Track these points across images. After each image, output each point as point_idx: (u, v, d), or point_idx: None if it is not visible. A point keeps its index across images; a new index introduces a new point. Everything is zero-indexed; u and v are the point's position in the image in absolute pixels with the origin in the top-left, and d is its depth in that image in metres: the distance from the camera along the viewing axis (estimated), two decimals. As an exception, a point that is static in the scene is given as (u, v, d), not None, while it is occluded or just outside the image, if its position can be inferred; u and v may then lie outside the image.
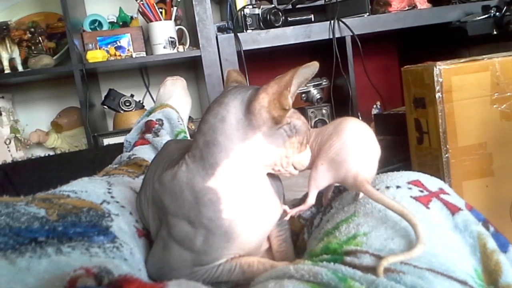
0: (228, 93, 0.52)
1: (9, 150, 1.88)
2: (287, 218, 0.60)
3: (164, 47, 1.73)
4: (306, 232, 0.65)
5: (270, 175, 0.55)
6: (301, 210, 0.60)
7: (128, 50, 1.81)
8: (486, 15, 1.66)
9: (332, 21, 1.71)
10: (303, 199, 0.66)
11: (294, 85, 0.49)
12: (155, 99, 1.36)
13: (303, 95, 1.82)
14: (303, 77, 0.50)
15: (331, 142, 0.57)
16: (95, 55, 1.68)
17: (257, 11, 1.71)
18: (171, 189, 0.52)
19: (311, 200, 0.58)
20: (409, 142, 1.21)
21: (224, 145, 0.50)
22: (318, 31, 1.72)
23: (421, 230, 0.47)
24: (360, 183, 0.54)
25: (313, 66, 0.49)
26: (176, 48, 1.74)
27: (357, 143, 0.56)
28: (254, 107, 0.50)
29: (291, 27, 1.71)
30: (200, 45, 1.67)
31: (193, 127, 1.55)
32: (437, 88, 1.03)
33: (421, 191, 0.57)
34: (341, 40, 1.73)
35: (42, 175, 1.36)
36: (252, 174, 0.52)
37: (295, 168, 0.54)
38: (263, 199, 0.54)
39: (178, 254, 0.53)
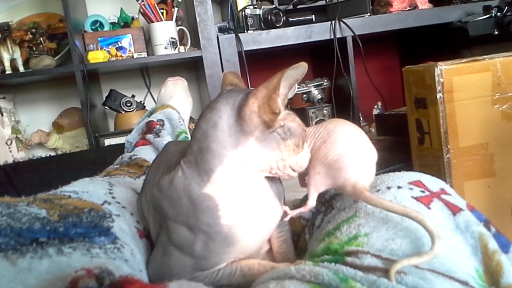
0: (220, 98, 0.52)
1: (11, 151, 1.89)
2: (287, 219, 0.59)
3: (165, 48, 1.73)
4: (307, 233, 0.65)
5: (270, 177, 0.54)
6: (301, 212, 0.60)
7: (129, 50, 1.81)
8: (487, 15, 1.66)
9: (333, 22, 1.71)
10: (304, 200, 0.66)
11: (283, 88, 0.48)
12: (156, 100, 1.36)
13: (304, 95, 1.82)
14: (293, 78, 0.49)
15: (326, 151, 0.56)
16: (96, 56, 1.68)
17: (258, 11, 1.71)
18: (169, 195, 0.52)
19: (312, 202, 0.58)
20: (410, 142, 1.21)
21: (217, 151, 0.49)
22: (319, 31, 1.72)
23: (431, 224, 0.47)
24: (359, 191, 0.54)
25: (301, 67, 0.48)
26: (177, 48, 1.74)
27: (353, 151, 0.56)
28: (245, 113, 0.49)
29: (292, 27, 1.71)
30: (201, 46, 1.67)
31: (194, 127, 1.55)
32: (438, 88, 1.03)
33: (422, 192, 0.57)
34: (342, 41, 1.73)
35: (43, 175, 1.36)
36: (249, 178, 0.51)
37: (293, 170, 0.53)
38: (262, 202, 0.53)
39: (178, 259, 0.53)
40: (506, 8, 1.63)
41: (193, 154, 0.51)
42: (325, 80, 1.81)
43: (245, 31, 1.70)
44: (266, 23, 1.70)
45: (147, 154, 1.02)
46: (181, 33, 1.84)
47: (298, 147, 0.52)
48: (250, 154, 0.50)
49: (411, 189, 0.57)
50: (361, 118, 1.93)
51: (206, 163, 0.50)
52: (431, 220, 0.52)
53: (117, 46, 1.80)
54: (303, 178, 0.60)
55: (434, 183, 0.60)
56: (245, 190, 0.51)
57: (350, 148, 0.56)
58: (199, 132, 0.51)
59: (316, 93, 1.81)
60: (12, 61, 1.73)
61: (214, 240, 0.51)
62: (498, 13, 1.64)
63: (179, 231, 0.52)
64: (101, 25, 1.90)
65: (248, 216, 0.52)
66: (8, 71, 1.71)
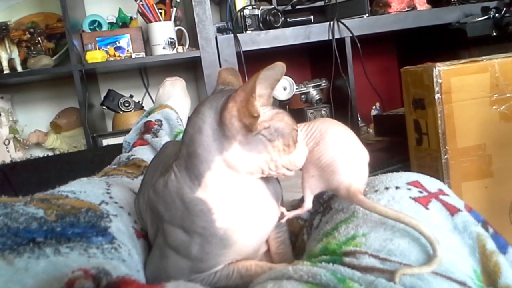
0: (206, 101, 0.51)
1: (8, 151, 1.88)
2: (283, 220, 0.59)
3: (164, 48, 1.73)
4: (305, 233, 0.64)
5: (266, 177, 0.54)
6: (298, 214, 0.60)
7: (127, 50, 1.81)
8: (486, 16, 1.66)
9: (331, 22, 1.71)
10: (302, 200, 0.66)
11: (263, 89, 0.48)
12: (154, 100, 1.36)
13: (303, 96, 1.82)
14: (271, 78, 0.48)
15: (320, 154, 0.56)
16: (94, 56, 1.68)
17: (256, 12, 1.71)
18: (164, 198, 0.52)
19: (308, 204, 0.58)
20: (408, 143, 1.21)
21: (203, 157, 0.49)
22: (318, 32, 1.72)
23: (427, 230, 0.47)
24: (353, 194, 0.54)
25: (278, 67, 0.47)
26: (175, 48, 1.74)
27: (346, 155, 0.56)
28: (225, 117, 0.48)
29: (291, 28, 1.71)
30: (200, 46, 1.67)
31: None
32: (437, 89, 1.03)
33: (421, 192, 0.57)
34: (341, 41, 1.73)
35: (41, 175, 1.36)
36: (241, 181, 0.51)
37: (288, 169, 0.53)
38: (258, 204, 0.53)
39: (175, 262, 0.53)
40: (504, 9, 1.63)
41: (183, 158, 0.51)
42: (324, 81, 1.81)
43: (244, 32, 1.70)
44: (265, 24, 1.70)
45: (145, 154, 1.02)
46: (179, 33, 1.84)
47: (288, 146, 0.51)
48: (235, 158, 0.49)
49: (409, 189, 0.57)
50: (359, 119, 1.93)
51: (195, 168, 0.49)
52: (428, 221, 0.52)
53: (115, 46, 1.80)
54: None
55: (432, 183, 0.60)
56: (238, 193, 0.51)
57: (343, 151, 0.56)
58: (187, 137, 0.51)
59: (314, 93, 1.80)
60: (10, 60, 1.73)
61: (210, 243, 0.51)
62: (496, 14, 1.64)
63: (175, 234, 0.51)
64: (99, 25, 1.90)
65: (244, 218, 0.51)
66: (6, 71, 1.70)
